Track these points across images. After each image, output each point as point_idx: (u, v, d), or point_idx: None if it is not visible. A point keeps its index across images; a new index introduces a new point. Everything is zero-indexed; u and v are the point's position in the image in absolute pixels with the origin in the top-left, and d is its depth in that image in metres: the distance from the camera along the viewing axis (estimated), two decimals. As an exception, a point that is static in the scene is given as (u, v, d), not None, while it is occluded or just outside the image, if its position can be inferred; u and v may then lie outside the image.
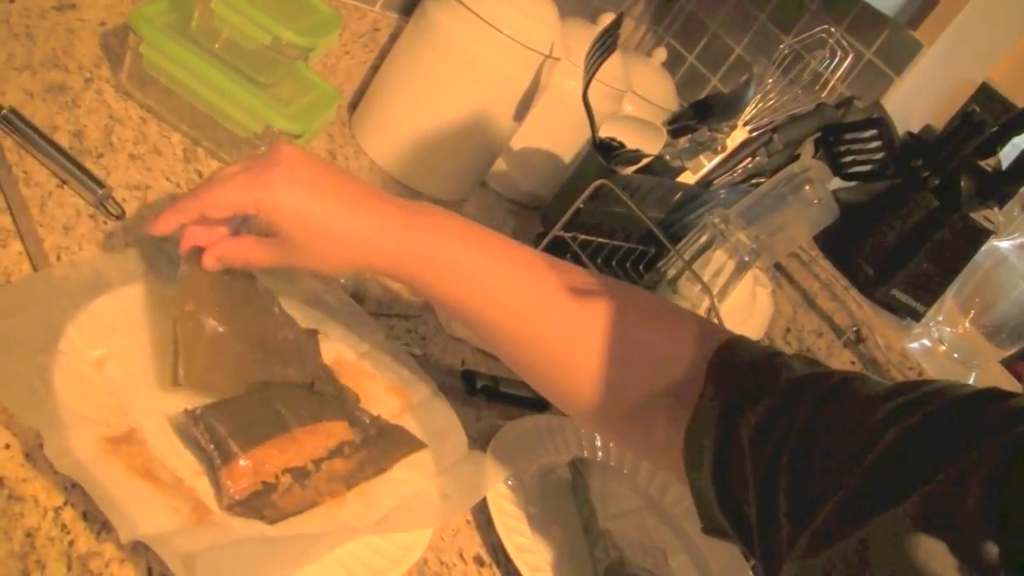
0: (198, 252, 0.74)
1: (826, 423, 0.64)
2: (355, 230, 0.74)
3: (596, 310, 0.76)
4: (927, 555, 0.49)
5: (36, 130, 0.83)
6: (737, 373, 0.71)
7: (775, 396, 0.67)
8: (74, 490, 0.60)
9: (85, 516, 0.60)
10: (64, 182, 0.82)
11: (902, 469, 0.56)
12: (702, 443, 0.69)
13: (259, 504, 0.67)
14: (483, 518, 0.83)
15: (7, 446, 0.60)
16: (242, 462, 0.67)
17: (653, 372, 0.75)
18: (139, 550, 0.60)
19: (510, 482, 0.86)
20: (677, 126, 1.25)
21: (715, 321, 1.09)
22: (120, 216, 0.83)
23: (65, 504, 0.60)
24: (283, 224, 0.72)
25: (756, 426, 0.66)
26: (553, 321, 0.76)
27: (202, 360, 0.72)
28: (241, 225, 0.76)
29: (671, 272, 1.16)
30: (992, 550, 0.49)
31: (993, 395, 0.59)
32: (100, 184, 0.83)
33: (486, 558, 0.81)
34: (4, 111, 0.82)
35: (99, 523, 0.60)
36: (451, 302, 0.77)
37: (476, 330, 0.80)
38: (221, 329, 0.73)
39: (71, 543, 0.58)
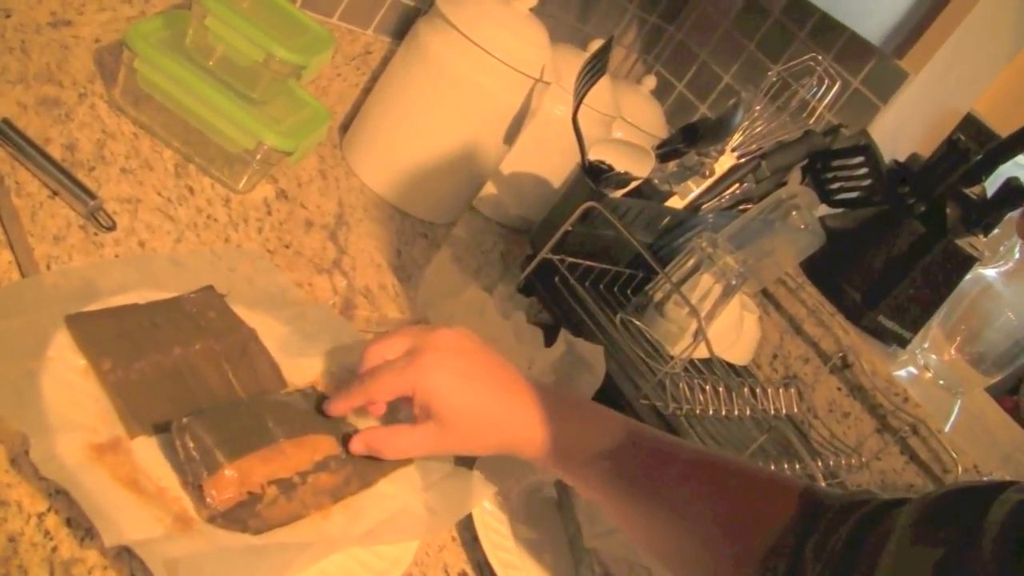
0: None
1: None
2: (506, 418, 0.78)
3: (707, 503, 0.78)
4: None
5: (29, 141, 0.83)
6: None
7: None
8: (58, 496, 0.60)
9: (69, 523, 0.60)
10: (56, 193, 0.82)
11: None
12: None
13: (244, 515, 0.67)
14: (468, 535, 0.83)
15: (-8, 451, 0.60)
16: (227, 472, 0.67)
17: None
18: (122, 557, 0.60)
19: (496, 499, 0.86)
20: (665, 150, 1.26)
21: (703, 342, 1.10)
22: (111, 228, 0.83)
23: (49, 510, 0.60)
24: (436, 407, 0.76)
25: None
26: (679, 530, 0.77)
27: (144, 405, 0.70)
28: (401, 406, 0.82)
29: (659, 295, 1.16)
30: None
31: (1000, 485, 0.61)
32: (91, 195, 0.83)
33: (471, 574, 0.81)
34: (-3, 122, 0.83)
35: (83, 530, 0.60)
36: (587, 495, 0.82)
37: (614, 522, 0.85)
38: (147, 371, 0.72)
39: (54, 549, 0.58)
